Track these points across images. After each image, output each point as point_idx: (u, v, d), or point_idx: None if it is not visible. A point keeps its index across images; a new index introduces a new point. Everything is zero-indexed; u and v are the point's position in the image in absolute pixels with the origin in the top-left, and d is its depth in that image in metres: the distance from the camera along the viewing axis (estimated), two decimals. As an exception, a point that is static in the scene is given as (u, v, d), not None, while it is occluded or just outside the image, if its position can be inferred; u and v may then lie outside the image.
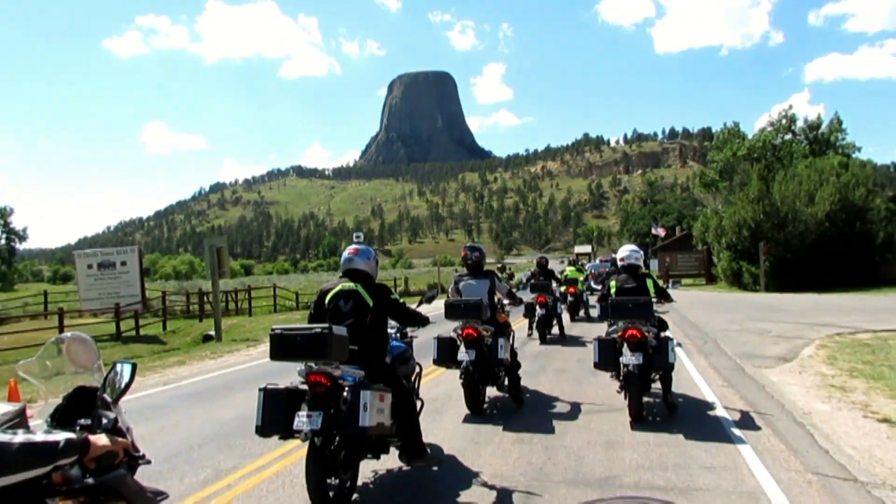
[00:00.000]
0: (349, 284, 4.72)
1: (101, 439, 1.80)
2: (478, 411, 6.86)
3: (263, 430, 4.20)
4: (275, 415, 4.15)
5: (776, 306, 20.47)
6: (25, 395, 5.83)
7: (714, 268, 38.43)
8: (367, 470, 4.95)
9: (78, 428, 2.02)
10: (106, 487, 1.86)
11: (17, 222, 63.45)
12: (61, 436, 1.64)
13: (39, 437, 1.59)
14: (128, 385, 2.33)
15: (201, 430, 6.53)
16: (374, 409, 4.06)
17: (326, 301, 4.74)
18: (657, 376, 6.80)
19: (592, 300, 18.92)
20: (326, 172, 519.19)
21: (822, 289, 28.28)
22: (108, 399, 2.21)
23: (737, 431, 5.89)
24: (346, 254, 4.90)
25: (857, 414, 6.52)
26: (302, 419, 3.98)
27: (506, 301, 7.73)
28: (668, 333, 6.99)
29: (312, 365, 4.18)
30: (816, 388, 7.85)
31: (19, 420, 1.90)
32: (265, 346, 13.61)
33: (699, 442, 5.60)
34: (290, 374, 4.54)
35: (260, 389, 4.26)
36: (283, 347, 4.17)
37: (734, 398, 7.33)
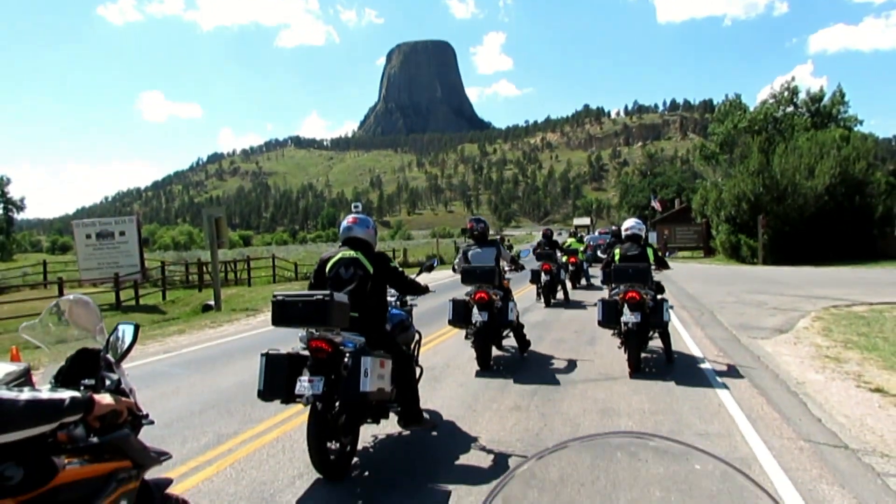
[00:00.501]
0: (349, 252, 4.74)
1: (105, 398, 1.83)
2: (486, 367, 7.50)
3: (265, 395, 4.25)
4: (276, 379, 4.19)
5: (773, 279, 20.55)
6: (27, 362, 5.89)
7: (712, 241, 38.48)
8: (368, 435, 5.03)
9: (82, 388, 2.05)
10: (110, 446, 1.89)
11: (14, 192, 63.23)
12: (66, 394, 1.66)
13: (45, 394, 1.61)
14: (130, 346, 2.35)
15: (202, 397, 6.59)
16: (375, 375, 4.11)
17: (327, 269, 4.76)
18: (655, 334, 7.63)
19: (591, 271, 19.53)
20: (325, 143, 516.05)
21: (820, 262, 28.37)
22: (112, 359, 2.23)
23: (731, 400, 5.97)
24: (345, 223, 4.93)
25: (850, 384, 6.60)
26: (304, 384, 4.03)
27: (509, 267, 8.32)
28: (664, 296, 7.59)
29: (314, 331, 4.23)
30: (811, 358, 7.93)
31: (24, 380, 1.93)
32: (264, 316, 13.76)
33: (694, 409, 5.68)
34: (289, 343, 4.57)
35: (262, 354, 4.30)
36: (285, 314, 4.20)
37: (729, 368, 7.41)
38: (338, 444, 4.23)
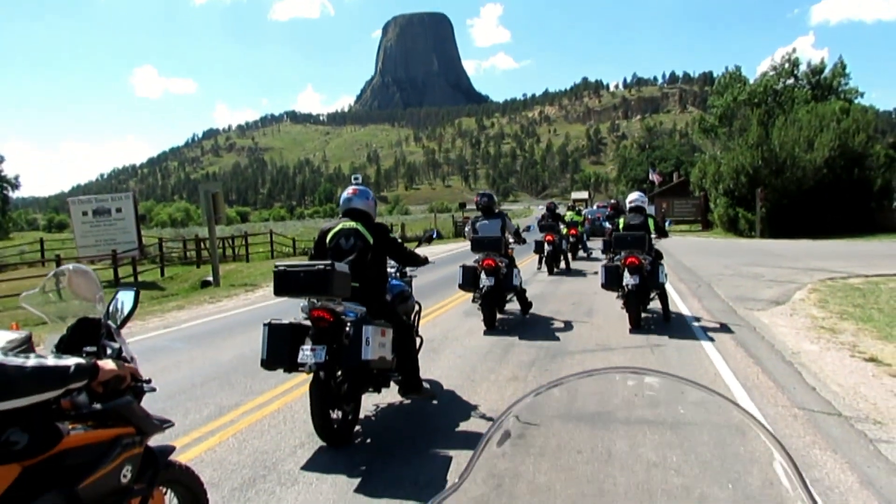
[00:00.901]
0: (350, 223, 4.77)
1: (108, 363, 1.85)
2: (491, 327, 8.20)
3: (269, 364, 4.31)
4: (279, 349, 4.26)
5: (771, 252, 20.60)
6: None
7: (710, 214, 38.43)
8: (369, 404, 5.09)
9: (85, 355, 2.07)
10: (114, 413, 1.92)
11: (8, 170, 62.64)
12: (71, 360, 1.68)
13: (51, 360, 1.63)
14: (131, 312, 2.37)
15: (202, 370, 6.64)
16: (376, 343, 4.17)
17: (328, 240, 4.80)
18: (655, 295, 8.41)
19: (590, 244, 20.32)
20: (321, 118, 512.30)
21: (818, 235, 28.39)
22: (113, 325, 2.25)
23: (727, 369, 6.04)
24: (345, 194, 4.97)
25: (844, 354, 6.66)
26: (306, 353, 4.10)
27: (512, 239, 9.00)
28: (662, 262, 8.34)
29: (315, 301, 4.28)
30: (806, 329, 7.99)
31: (26, 347, 1.95)
32: (263, 291, 13.80)
33: (690, 378, 5.74)
34: (289, 317, 4.60)
35: (264, 324, 4.36)
36: (287, 284, 4.25)
37: (725, 339, 7.47)
38: (340, 413, 4.31)
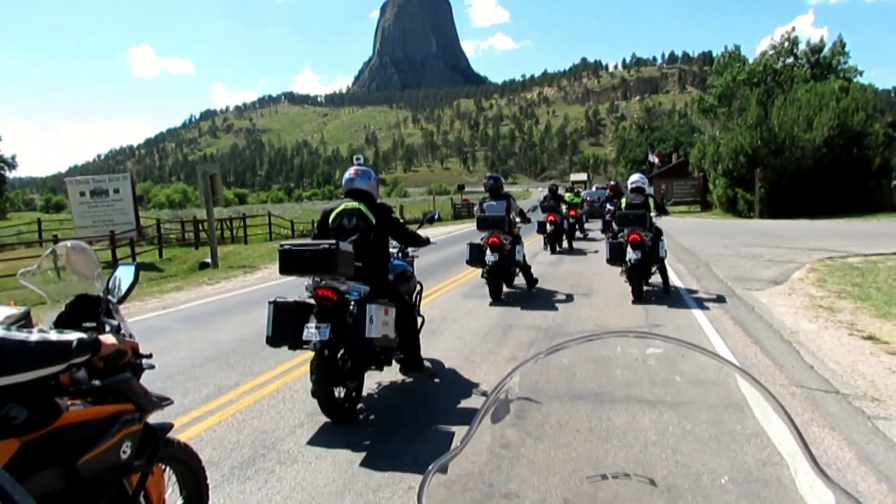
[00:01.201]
0: (352, 203, 4.78)
1: (109, 338, 1.84)
2: (497, 299, 8.85)
3: (274, 341, 4.36)
4: (284, 326, 4.30)
5: (770, 232, 20.58)
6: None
7: (709, 195, 38.37)
8: (371, 382, 5.11)
9: (84, 331, 2.05)
10: (113, 389, 1.91)
11: (5, 150, 61.94)
12: (74, 335, 1.67)
13: (54, 335, 1.62)
14: (131, 287, 2.36)
15: (201, 351, 6.64)
16: (380, 322, 4.21)
17: (330, 220, 4.81)
18: (655, 269, 8.97)
19: (587, 225, 20.63)
20: (319, 99, 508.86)
21: (817, 215, 28.37)
22: (113, 300, 2.24)
23: (726, 349, 6.04)
24: (347, 174, 4.98)
25: (842, 332, 6.66)
26: (311, 330, 4.14)
27: (518, 219, 9.52)
28: (662, 238, 8.92)
29: (319, 280, 4.31)
30: (805, 308, 8.00)
31: (24, 322, 1.93)
32: (262, 273, 13.80)
33: (689, 359, 5.75)
34: (289, 298, 4.59)
35: (270, 302, 4.40)
36: (292, 262, 4.29)
37: (724, 318, 7.48)
38: (344, 390, 4.36)
